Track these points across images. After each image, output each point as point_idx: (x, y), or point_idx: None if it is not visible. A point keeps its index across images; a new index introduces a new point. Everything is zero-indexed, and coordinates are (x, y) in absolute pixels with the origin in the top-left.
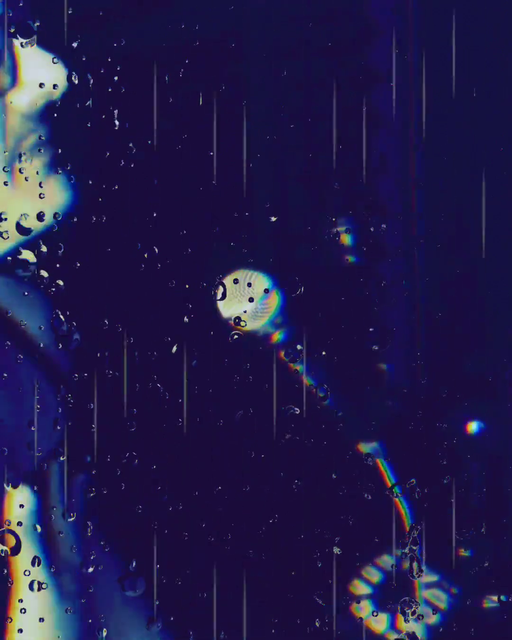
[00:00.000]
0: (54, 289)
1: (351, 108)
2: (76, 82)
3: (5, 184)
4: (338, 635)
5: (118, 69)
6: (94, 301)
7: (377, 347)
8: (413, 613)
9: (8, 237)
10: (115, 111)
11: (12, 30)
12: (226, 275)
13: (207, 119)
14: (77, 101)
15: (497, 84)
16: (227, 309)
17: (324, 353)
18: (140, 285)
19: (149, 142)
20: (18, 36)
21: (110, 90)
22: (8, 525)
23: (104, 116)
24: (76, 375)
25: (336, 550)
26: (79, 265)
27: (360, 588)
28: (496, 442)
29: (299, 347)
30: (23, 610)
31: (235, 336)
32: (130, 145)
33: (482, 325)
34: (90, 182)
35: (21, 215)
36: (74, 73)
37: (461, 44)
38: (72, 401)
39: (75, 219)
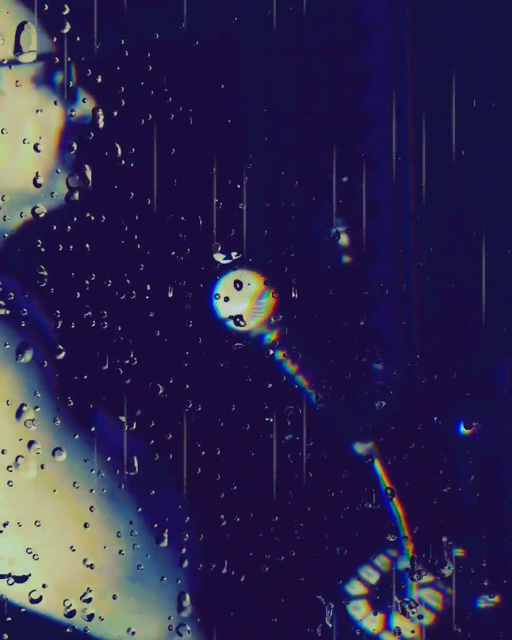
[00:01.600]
0: (53, 289)
1: (347, 108)
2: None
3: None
4: (337, 635)
5: (117, 68)
6: (92, 301)
7: (374, 347)
8: (413, 613)
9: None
10: (114, 111)
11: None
12: (223, 277)
13: (204, 118)
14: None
15: (496, 84)
16: (226, 309)
17: (321, 353)
18: (139, 285)
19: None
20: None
21: (109, 89)
22: None
23: (102, 116)
24: (76, 376)
25: (336, 549)
26: (77, 265)
27: (357, 588)
28: (494, 443)
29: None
30: None
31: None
32: (130, 145)
33: (479, 325)
34: (88, 182)
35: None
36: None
37: (461, 44)
38: (71, 402)
39: (74, 219)
